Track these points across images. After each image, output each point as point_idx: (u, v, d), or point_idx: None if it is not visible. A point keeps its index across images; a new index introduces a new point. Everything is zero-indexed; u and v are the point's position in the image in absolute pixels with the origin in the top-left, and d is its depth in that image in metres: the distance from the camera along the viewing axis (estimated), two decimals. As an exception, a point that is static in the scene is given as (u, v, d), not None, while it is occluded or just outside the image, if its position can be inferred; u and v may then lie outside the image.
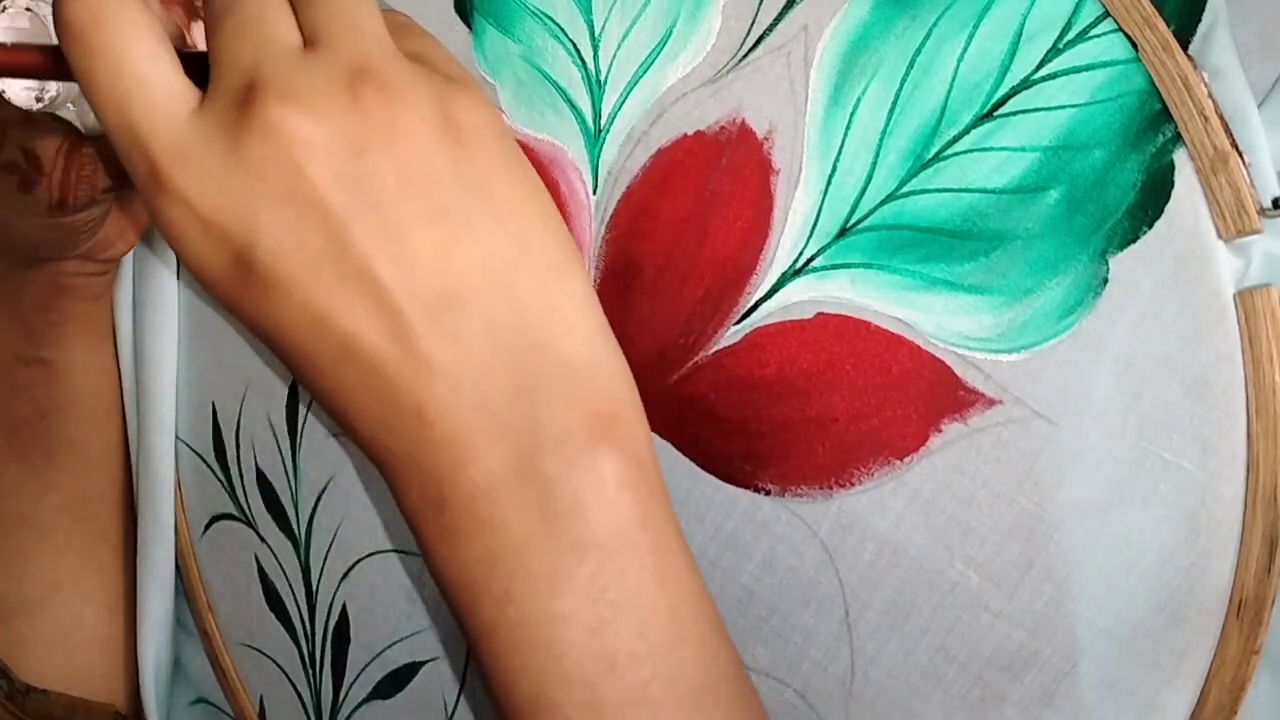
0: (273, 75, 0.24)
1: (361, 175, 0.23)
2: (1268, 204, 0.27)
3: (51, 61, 0.27)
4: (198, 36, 0.34)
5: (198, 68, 0.26)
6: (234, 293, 0.25)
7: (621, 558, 0.24)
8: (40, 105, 0.32)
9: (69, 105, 0.33)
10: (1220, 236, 0.27)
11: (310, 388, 0.25)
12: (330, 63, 0.24)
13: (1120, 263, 0.28)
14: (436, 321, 0.24)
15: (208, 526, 0.43)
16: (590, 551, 0.24)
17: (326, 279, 0.23)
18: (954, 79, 0.30)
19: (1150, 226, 0.28)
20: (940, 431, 0.30)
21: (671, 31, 0.33)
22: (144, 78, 0.24)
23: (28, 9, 0.31)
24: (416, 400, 0.24)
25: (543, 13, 0.35)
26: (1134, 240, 0.28)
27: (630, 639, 0.24)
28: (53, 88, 0.32)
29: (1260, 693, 0.28)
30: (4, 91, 0.32)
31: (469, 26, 0.36)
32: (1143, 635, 0.29)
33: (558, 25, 0.34)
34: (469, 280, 0.24)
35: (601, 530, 0.24)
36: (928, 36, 0.30)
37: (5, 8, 0.32)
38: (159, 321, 0.42)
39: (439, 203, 0.24)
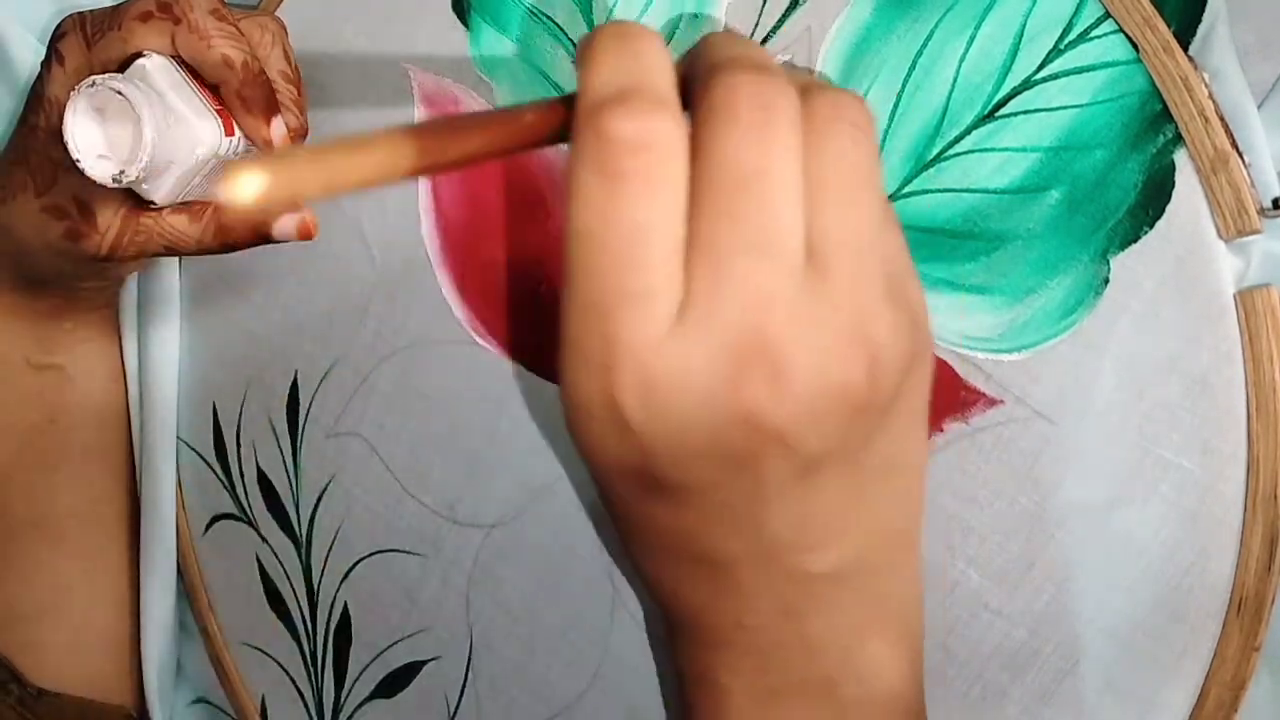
0: (780, 334, 0.20)
1: (812, 467, 0.21)
2: (1268, 204, 0.27)
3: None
4: (276, 134, 0.32)
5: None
6: (620, 485, 0.22)
7: None
8: (115, 185, 0.30)
9: (143, 185, 0.31)
10: (1220, 236, 0.27)
11: (645, 562, 0.24)
12: (837, 322, 0.20)
13: (1121, 263, 0.28)
14: (815, 583, 0.24)
15: (209, 526, 0.43)
16: None
17: (722, 520, 0.22)
18: (955, 80, 0.30)
19: (1151, 227, 0.28)
20: (942, 431, 0.30)
21: (674, 34, 0.33)
22: (651, 291, 0.20)
23: (118, 90, 0.29)
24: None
25: (541, 13, 0.34)
26: (1135, 240, 0.28)
27: None
28: (132, 171, 0.30)
29: (1260, 690, 0.29)
30: (80, 161, 0.30)
31: (465, 26, 0.36)
32: (1143, 633, 0.29)
33: (558, 26, 0.34)
34: (847, 547, 0.23)
35: None
36: (929, 38, 0.30)
37: (94, 83, 0.29)
38: (161, 322, 0.42)
39: (854, 470, 0.22)
